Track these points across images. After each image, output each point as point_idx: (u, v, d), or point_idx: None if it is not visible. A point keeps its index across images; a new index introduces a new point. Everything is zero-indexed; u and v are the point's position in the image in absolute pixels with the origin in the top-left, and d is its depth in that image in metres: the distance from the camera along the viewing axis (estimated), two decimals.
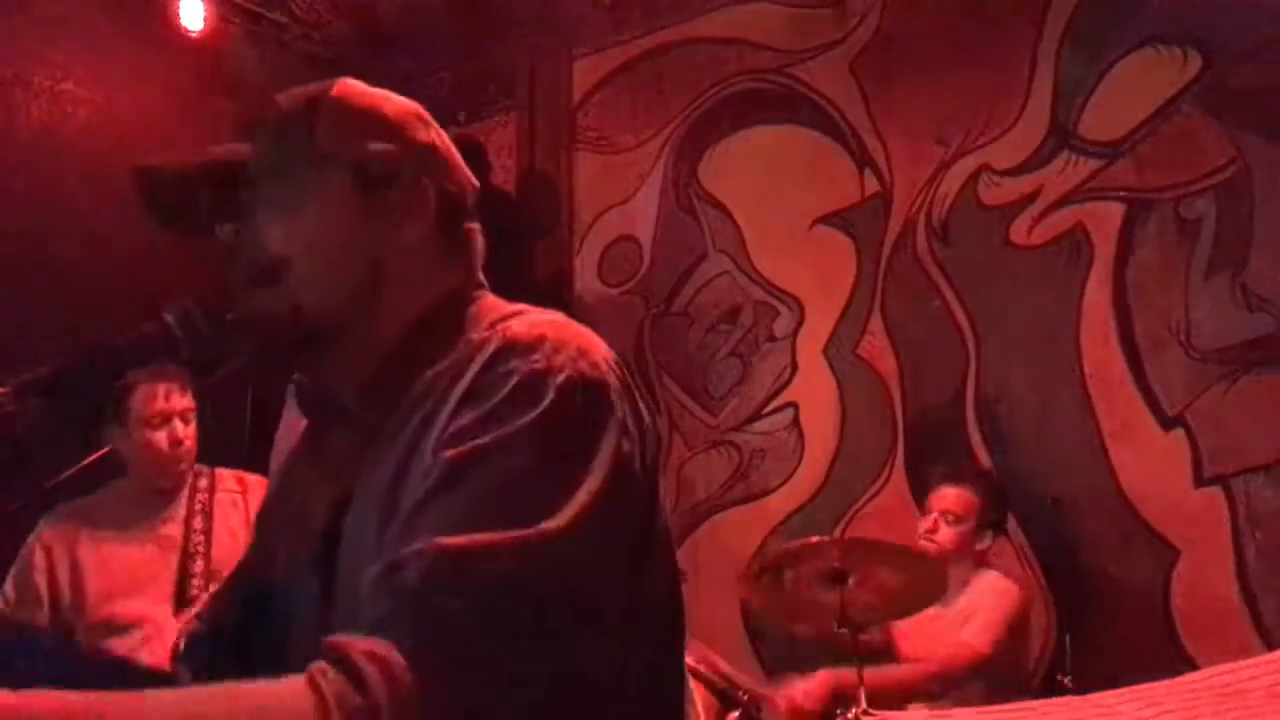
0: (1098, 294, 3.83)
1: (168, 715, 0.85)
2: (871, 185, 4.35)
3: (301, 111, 1.15)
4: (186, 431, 2.85)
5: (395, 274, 1.14)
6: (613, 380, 1.04)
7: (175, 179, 1.15)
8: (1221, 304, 3.62)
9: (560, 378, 1.00)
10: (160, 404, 2.81)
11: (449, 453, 0.98)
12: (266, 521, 1.26)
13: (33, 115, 4.27)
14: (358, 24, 5.12)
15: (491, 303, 1.18)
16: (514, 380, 1.00)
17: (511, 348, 1.03)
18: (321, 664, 0.90)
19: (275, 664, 1.07)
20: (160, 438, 2.81)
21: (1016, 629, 3.31)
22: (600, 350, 1.06)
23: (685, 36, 4.84)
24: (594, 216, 5.00)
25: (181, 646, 1.18)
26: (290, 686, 0.88)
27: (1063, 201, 3.94)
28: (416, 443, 1.03)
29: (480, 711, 0.91)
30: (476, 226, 1.24)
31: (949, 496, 3.44)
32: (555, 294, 4.94)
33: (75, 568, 2.76)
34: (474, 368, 1.03)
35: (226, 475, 2.99)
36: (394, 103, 1.22)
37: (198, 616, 1.20)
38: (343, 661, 0.89)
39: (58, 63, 4.32)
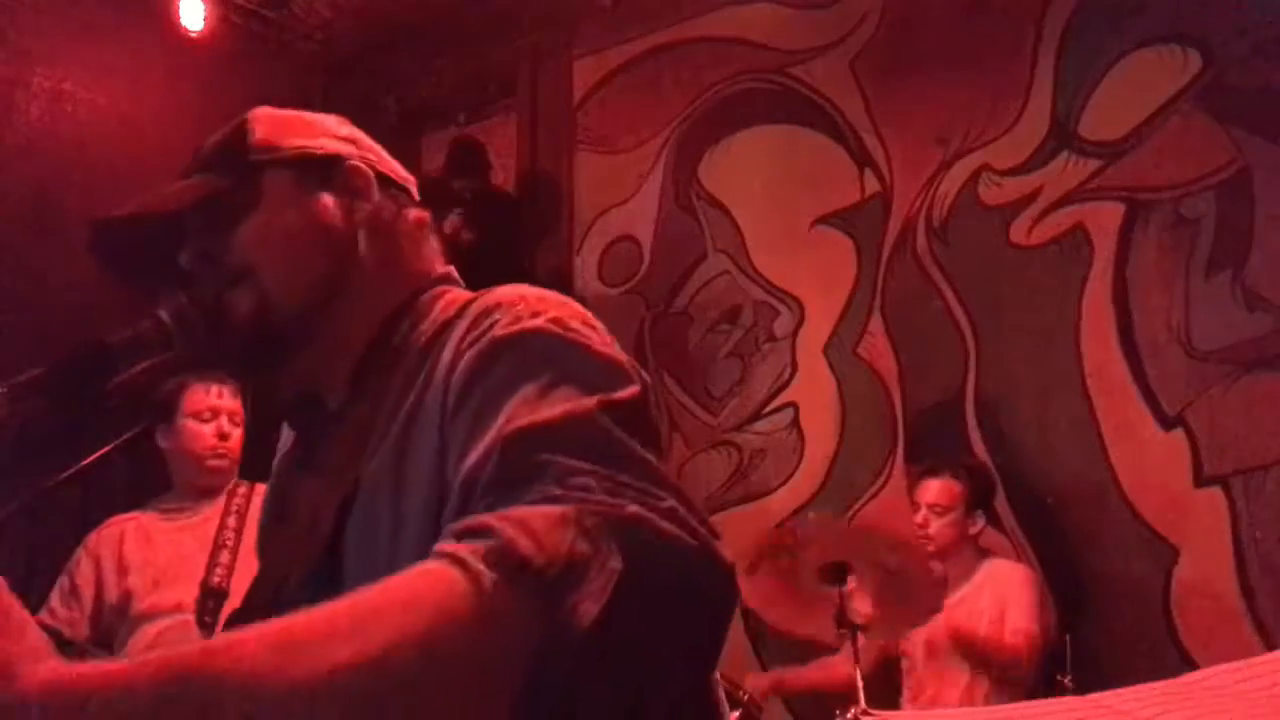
0: (1098, 294, 3.83)
1: (278, 653, 0.74)
2: (871, 185, 4.35)
3: (229, 136, 1.18)
4: (233, 431, 2.94)
5: (359, 256, 1.16)
6: (599, 324, 1.05)
7: (125, 233, 1.15)
8: (1221, 304, 3.62)
9: (551, 314, 1.00)
10: (211, 400, 2.91)
11: (471, 394, 0.96)
12: (270, 543, 1.24)
13: (33, 115, 4.27)
14: (358, 24, 5.13)
15: (463, 291, 1.20)
16: (506, 322, 1.00)
17: (496, 304, 1.04)
18: (440, 544, 0.81)
19: None
20: (207, 431, 2.91)
21: (1046, 605, 3.40)
22: (583, 309, 1.06)
23: (685, 36, 4.85)
24: (594, 216, 5.00)
25: None
26: (416, 570, 0.79)
27: (1063, 201, 3.94)
28: (415, 416, 1.03)
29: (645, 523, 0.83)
30: (427, 215, 1.25)
31: (933, 489, 3.50)
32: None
33: (121, 569, 2.85)
34: (459, 332, 1.03)
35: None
36: (311, 113, 1.25)
37: None
38: (471, 530, 0.81)
39: (58, 63, 4.33)
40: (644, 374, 1.01)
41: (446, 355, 1.03)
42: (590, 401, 0.91)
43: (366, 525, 1.04)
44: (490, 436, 0.90)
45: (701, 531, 0.86)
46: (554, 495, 0.83)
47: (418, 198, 1.26)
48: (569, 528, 0.80)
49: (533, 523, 0.80)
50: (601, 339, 1.01)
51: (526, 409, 0.90)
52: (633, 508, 0.83)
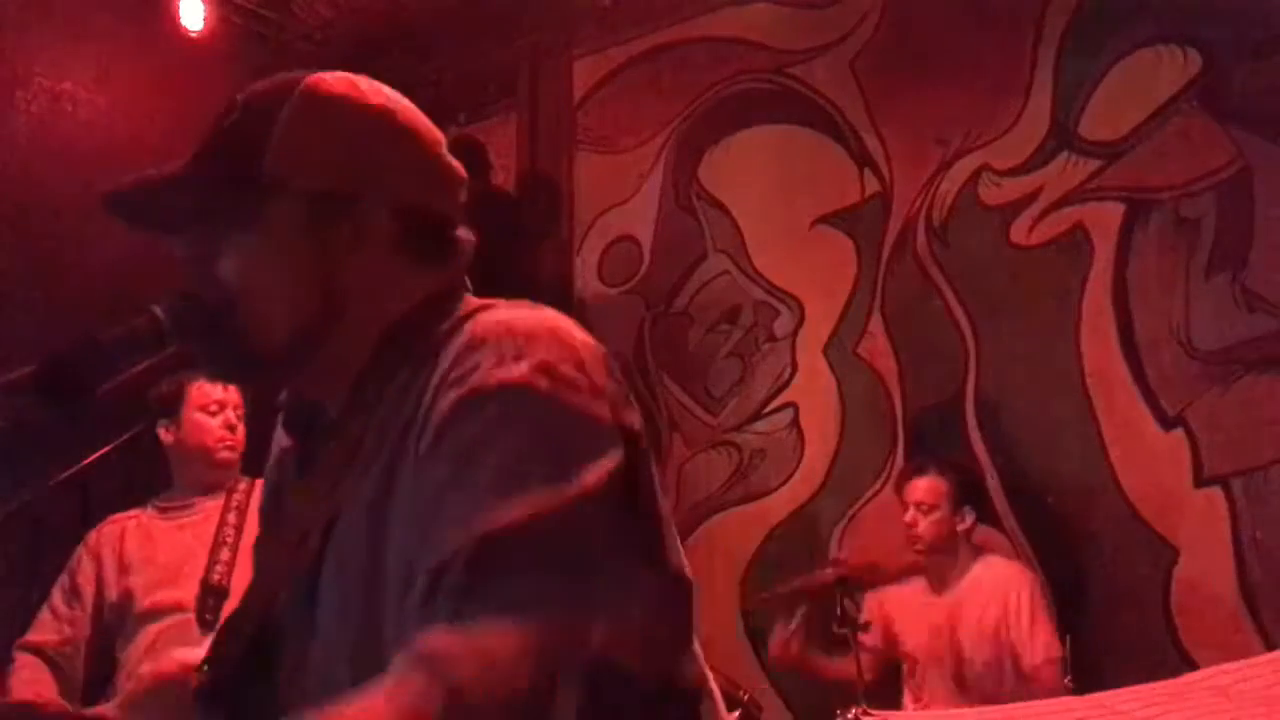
0: (1098, 294, 3.83)
1: None
2: (871, 185, 4.35)
3: (254, 129, 1.11)
4: (239, 424, 2.96)
5: (355, 297, 1.11)
6: (589, 356, 1.01)
7: (137, 194, 1.12)
8: (1221, 304, 3.62)
9: (537, 359, 0.97)
10: (218, 393, 2.93)
11: (446, 443, 0.95)
12: (264, 551, 1.23)
13: (33, 115, 4.26)
14: (358, 24, 5.12)
15: (466, 302, 1.15)
16: (489, 366, 0.97)
17: (482, 340, 1.00)
18: (402, 662, 0.84)
19: (268, 710, 1.03)
20: (215, 424, 2.93)
21: (1051, 610, 3.41)
22: (575, 334, 1.03)
23: (685, 36, 4.84)
24: (594, 216, 5.00)
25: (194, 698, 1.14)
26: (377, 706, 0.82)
27: (1063, 201, 3.93)
28: (402, 444, 1.01)
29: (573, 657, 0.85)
30: (462, 234, 1.18)
31: (919, 488, 3.54)
32: (555, 294, 4.94)
33: (122, 567, 2.87)
34: (444, 363, 1.01)
35: None
36: (361, 107, 1.14)
37: (204, 665, 1.16)
38: (432, 655, 0.83)
39: (58, 63, 4.32)
40: (631, 419, 1.00)
41: (433, 381, 1.01)
42: (563, 497, 0.90)
43: (341, 555, 1.03)
44: (459, 534, 0.89)
45: (665, 649, 0.89)
46: (518, 621, 0.84)
47: (463, 201, 1.20)
48: (528, 663, 0.82)
49: (495, 653, 0.82)
50: (590, 383, 0.98)
51: (498, 502, 0.89)
52: (597, 634, 0.84)
